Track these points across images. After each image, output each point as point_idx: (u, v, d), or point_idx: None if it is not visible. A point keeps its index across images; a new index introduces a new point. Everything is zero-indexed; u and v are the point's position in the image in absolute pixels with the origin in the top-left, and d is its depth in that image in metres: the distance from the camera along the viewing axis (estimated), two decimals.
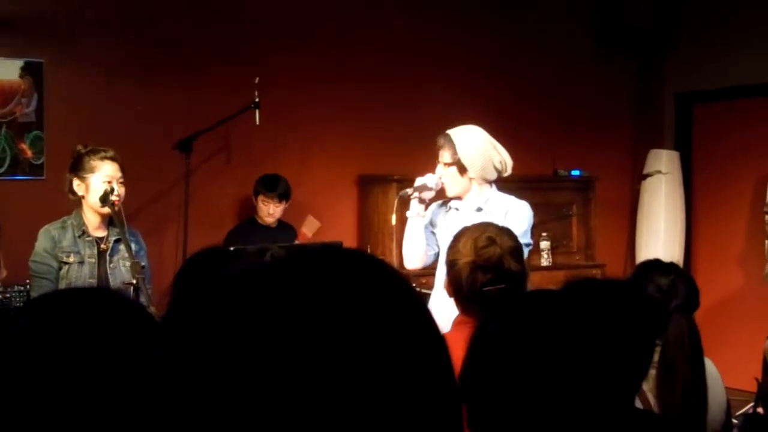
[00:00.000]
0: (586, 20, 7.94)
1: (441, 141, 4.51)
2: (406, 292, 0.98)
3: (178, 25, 6.24)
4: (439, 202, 4.59)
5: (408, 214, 4.54)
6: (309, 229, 6.45)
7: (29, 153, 5.77)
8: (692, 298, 3.03)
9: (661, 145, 8.11)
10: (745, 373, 4.38)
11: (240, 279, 0.96)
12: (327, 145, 6.78)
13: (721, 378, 3.12)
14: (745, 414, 3.62)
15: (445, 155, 4.46)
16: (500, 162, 4.49)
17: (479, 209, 4.40)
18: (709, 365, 3.05)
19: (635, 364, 2.27)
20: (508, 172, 4.56)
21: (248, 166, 6.42)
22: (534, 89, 7.64)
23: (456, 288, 3.03)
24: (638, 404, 2.78)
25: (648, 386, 2.86)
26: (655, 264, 3.15)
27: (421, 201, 4.50)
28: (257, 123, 5.96)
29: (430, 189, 4.49)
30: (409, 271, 4.88)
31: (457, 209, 4.47)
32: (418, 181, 4.50)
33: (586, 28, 7.94)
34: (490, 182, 4.51)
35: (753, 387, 3.86)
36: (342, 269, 0.96)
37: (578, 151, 7.76)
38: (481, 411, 1.67)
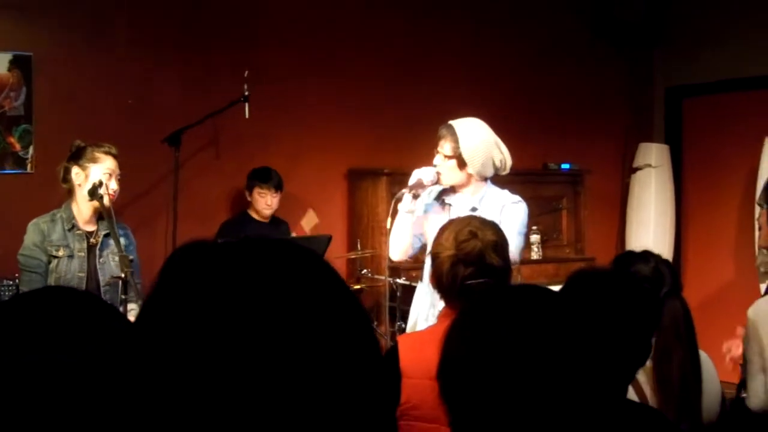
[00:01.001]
0: (578, 14, 7.94)
1: (443, 131, 4.40)
2: (331, 280, 0.98)
3: (167, 18, 6.22)
4: (435, 194, 4.51)
5: (399, 206, 4.44)
6: (307, 224, 6.45)
7: (17, 147, 5.74)
8: (676, 281, 3.02)
9: (651, 139, 8.13)
10: (735, 366, 4.39)
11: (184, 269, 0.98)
12: (317, 138, 6.77)
13: (713, 366, 3.12)
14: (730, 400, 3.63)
15: (446, 147, 4.36)
16: (501, 161, 4.43)
17: (474, 209, 4.32)
18: (703, 356, 3.05)
19: (628, 354, 2.26)
20: (506, 171, 4.49)
21: (238, 159, 6.40)
22: (525, 83, 7.64)
23: (438, 281, 3.03)
24: (633, 395, 2.78)
25: (643, 376, 2.85)
26: (632, 255, 3.13)
27: (415, 196, 4.40)
28: (247, 116, 5.94)
29: (425, 186, 4.40)
30: (395, 263, 4.88)
31: (451, 205, 4.42)
32: (414, 177, 4.38)
33: (578, 22, 7.94)
34: (486, 179, 4.45)
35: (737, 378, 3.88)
36: (266, 257, 0.97)
37: (568, 145, 7.76)
38: (460, 408, 1.66)
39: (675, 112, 8.23)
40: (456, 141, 4.34)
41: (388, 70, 7.00)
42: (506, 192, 4.46)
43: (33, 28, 5.78)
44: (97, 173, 4.34)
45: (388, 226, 4.54)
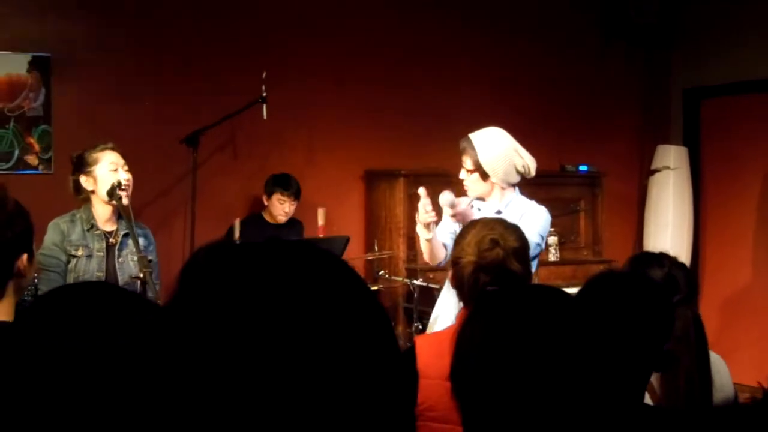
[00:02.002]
0: (594, 16, 7.93)
1: (463, 145, 4.42)
2: (353, 281, 0.99)
3: (187, 19, 6.24)
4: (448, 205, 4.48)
5: (418, 231, 4.33)
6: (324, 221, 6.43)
7: (37, 147, 5.78)
8: (691, 288, 3.00)
9: (668, 141, 8.09)
10: (753, 369, 4.37)
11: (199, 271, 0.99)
12: (334, 140, 6.78)
13: (729, 372, 3.10)
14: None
15: (467, 162, 4.39)
16: (523, 166, 4.44)
17: (498, 212, 4.33)
18: (717, 359, 3.03)
19: (642, 358, 2.25)
20: (532, 174, 4.50)
21: (255, 160, 6.42)
22: (541, 85, 7.63)
23: (459, 285, 3.04)
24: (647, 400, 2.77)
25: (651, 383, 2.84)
26: (648, 256, 3.11)
27: (427, 225, 4.24)
28: (264, 118, 5.95)
29: (456, 205, 4.26)
30: (415, 262, 4.86)
31: (479, 209, 4.42)
32: (449, 201, 4.23)
33: (594, 23, 7.92)
34: (513, 185, 4.47)
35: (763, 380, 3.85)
36: (289, 259, 0.97)
37: (586, 147, 7.74)
38: (472, 408, 1.66)
39: (693, 114, 8.20)
40: (475, 154, 4.36)
41: (405, 72, 7.00)
42: (533, 202, 4.48)
43: (52, 30, 5.82)
44: (103, 171, 4.35)
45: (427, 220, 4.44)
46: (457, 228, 4.24)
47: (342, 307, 0.94)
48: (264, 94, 5.95)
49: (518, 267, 2.96)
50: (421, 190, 4.25)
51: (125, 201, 4.29)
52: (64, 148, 5.72)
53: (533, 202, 4.49)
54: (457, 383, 1.67)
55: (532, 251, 4.10)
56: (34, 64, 5.75)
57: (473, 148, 4.37)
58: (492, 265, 2.94)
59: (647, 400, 2.84)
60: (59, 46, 5.82)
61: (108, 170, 4.35)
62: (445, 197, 4.24)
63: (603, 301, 2.25)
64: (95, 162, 4.38)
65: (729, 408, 2.82)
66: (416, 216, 4.29)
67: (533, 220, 4.29)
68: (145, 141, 5.51)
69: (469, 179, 4.41)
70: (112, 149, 4.43)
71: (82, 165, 4.41)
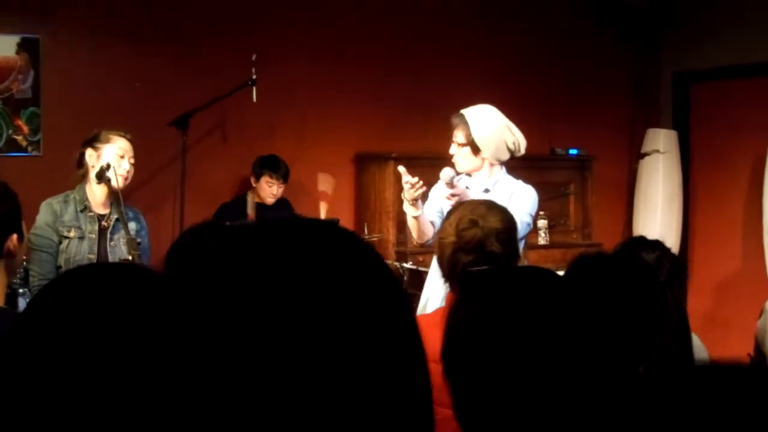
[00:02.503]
0: (585, 0, 7.92)
1: (455, 121, 4.48)
2: (377, 264, 0.98)
3: (176, 2, 6.21)
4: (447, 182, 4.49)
5: (405, 209, 4.40)
6: (325, 186, 6.41)
7: (26, 130, 5.75)
8: (677, 275, 3.02)
9: (658, 125, 8.10)
10: (741, 352, 4.39)
11: (213, 253, 0.97)
12: (324, 122, 6.77)
13: (706, 351, 3.12)
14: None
15: (458, 135, 4.45)
16: (514, 143, 4.50)
17: (486, 190, 4.38)
18: (696, 340, 3.05)
19: (632, 339, 2.26)
20: (522, 152, 4.57)
21: (245, 143, 6.41)
22: (532, 68, 7.62)
23: (441, 264, 3.05)
24: None
25: None
26: (641, 241, 3.13)
27: (414, 201, 4.33)
28: (254, 100, 5.94)
29: (454, 183, 4.36)
30: (405, 245, 4.86)
31: (467, 187, 4.44)
32: (450, 176, 4.33)
33: (585, 7, 7.91)
34: (501, 163, 4.51)
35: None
36: (312, 240, 0.96)
37: (576, 130, 7.74)
38: (463, 391, 1.66)
39: (682, 98, 8.21)
40: (468, 128, 4.42)
41: (396, 54, 6.99)
42: (520, 182, 4.51)
43: (40, 12, 5.79)
44: (110, 153, 4.36)
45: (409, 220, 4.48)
46: (444, 206, 4.27)
47: (345, 286, 0.94)
48: (254, 77, 5.94)
49: (498, 248, 2.93)
50: (401, 168, 4.30)
51: (114, 184, 4.28)
52: (53, 130, 5.71)
53: (520, 182, 4.52)
54: (449, 365, 1.68)
55: (522, 231, 4.11)
56: (22, 46, 5.72)
57: (466, 123, 4.44)
58: (470, 245, 2.93)
59: None
60: (48, 28, 5.80)
61: (114, 154, 4.36)
62: (446, 172, 4.31)
63: (592, 281, 2.26)
64: (107, 141, 4.39)
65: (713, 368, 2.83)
66: (402, 194, 4.32)
67: (522, 200, 4.32)
68: (134, 123, 5.48)
69: (459, 153, 4.46)
70: (129, 140, 4.45)
71: (94, 139, 4.41)
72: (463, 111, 4.51)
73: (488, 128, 4.43)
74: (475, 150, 4.43)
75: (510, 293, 1.70)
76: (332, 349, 0.89)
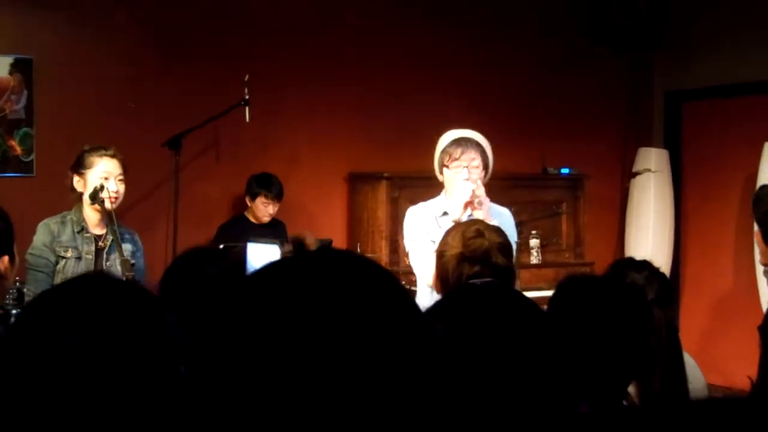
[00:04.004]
0: (577, 19, 7.95)
1: (464, 144, 4.34)
2: (395, 289, 0.99)
3: (169, 22, 6.23)
4: (431, 215, 4.38)
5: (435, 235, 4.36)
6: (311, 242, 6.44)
7: (19, 150, 5.76)
8: (666, 294, 3.02)
9: (650, 144, 8.14)
10: (735, 371, 4.40)
11: (233, 280, 0.98)
12: (317, 142, 6.78)
13: (701, 373, 3.12)
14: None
15: (476, 158, 4.31)
16: None
17: (470, 216, 4.33)
18: (688, 359, 3.05)
19: (619, 360, 2.27)
20: None
21: (238, 163, 6.42)
22: (524, 87, 7.65)
23: (443, 280, 3.04)
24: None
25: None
26: (629, 262, 3.15)
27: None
28: (247, 120, 5.96)
29: (477, 197, 4.28)
30: (398, 265, 4.84)
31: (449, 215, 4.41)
32: (468, 192, 4.25)
33: (577, 26, 7.95)
34: None
35: (744, 385, 3.87)
36: (333, 268, 0.97)
37: (568, 149, 7.76)
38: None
39: (674, 117, 8.24)
40: (483, 150, 4.34)
41: (388, 74, 7.01)
42: (493, 204, 4.45)
43: (34, 32, 5.80)
44: (94, 178, 4.35)
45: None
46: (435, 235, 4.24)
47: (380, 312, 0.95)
48: (246, 97, 5.95)
49: (503, 260, 2.96)
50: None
51: (107, 205, 4.28)
52: (46, 151, 5.71)
53: (494, 205, 4.47)
54: None
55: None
56: (16, 67, 5.73)
57: (478, 144, 4.35)
58: (476, 255, 2.94)
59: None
60: (41, 49, 5.81)
61: (98, 178, 4.35)
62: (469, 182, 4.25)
63: (580, 302, 2.27)
64: (90, 166, 4.38)
65: (709, 402, 2.83)
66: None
67: (507, 227, 4.31)
68: (127, 144, 5.49)
69: (479, 177, 4.32)
70: (112, 156, 4.42)
71: (78, 165, 4.42)
72: (466, 135, 4.39)
73: (491, 152, 4.40)
74: (487, 172, 4.37)
75: (485, 315, 1.70)
76: (342, 377, 0.90)
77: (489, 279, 2.93)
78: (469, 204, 4.24)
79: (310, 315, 0.92)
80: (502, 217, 4.35)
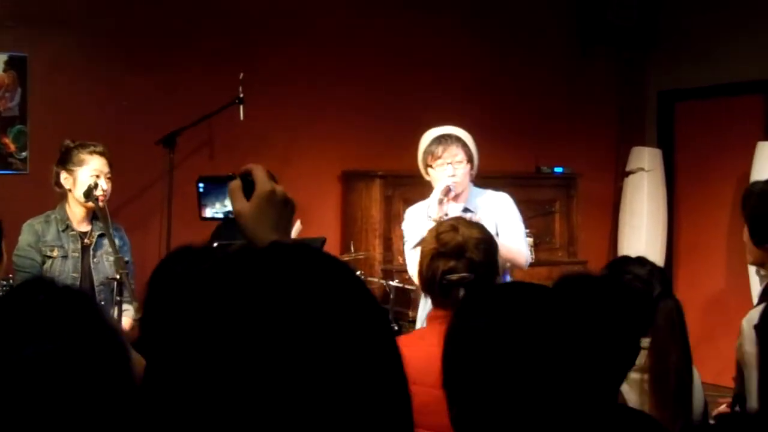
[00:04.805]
0: (570, 18, 7.96)
1: (445, 141, 4.41)
2: (358, 287, 0.99)
3: (163, 20, 6.23)
4: (423, 214, 4.45)
5: (430, 212, 4.36)
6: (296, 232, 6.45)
7: (12, 147, 5.75)
8: (668, 286, 3.04)
9: (643, 143, 8.15)
10: (727, 370, 4.41)
11: (196, 277, 0.98)
12: (311, 140, 6.78)
13: (698, 375, 3.13)
14: (720, 413, 3.64)
15: (458, 154, 4.38)
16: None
17: (467, 210, 4.35)
18: None
19: (620, 358, 2.28)
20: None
21: (232, 161, 6.39)
22: (517, 86, 7.66)
23: (420, 276, 3.03)
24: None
25: (636, 375, 2.84)
26: (628, 259, 3.15)
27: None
28: (241, 118, 5.96)
29: (450, 193, 4.36)
30: (391, 263, 4.85)
31: (446, 214, 4.42)
32: (441, 191, 4.33)
33: (570, 25, 7.96)
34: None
35: (733, 384, 3.88)
36: (289, 264, 0.97)
37: (561, 148, 7.78)
38: (462, 405, 1.68)
39: (667, 116, 8.26)
40: (465, 144, 4.40)
41: (382, 72, 7.02)
42: (489, 191, 4.51)
43: (28, 30, 5.79)
44: (85, 176, 4.35)
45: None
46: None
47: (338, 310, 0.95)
48: (241, 95, 5.96)
49: (479, 256, 2.92)
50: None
51: (101, 203, 4.29)
52: (40, 148, 5.70)
53: (489, 191, 4.50)
54: (451, 377, 1.70)
55: (524, 239, 4.19)
56: (10, 64, 5.73)
57: (461, 140, 4.41)
58: (450, 249, 2.91)
59: (636, 401, 2.85)
60: (36, 47, 5.80)
61: (89, 176, 4.35)
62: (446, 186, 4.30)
63: (575, 300, 2.28)
64: (80, 164, 4.38)
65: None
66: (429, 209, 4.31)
67: (512, 211, 4.34)
68: (121, 142, 5.49)
69: (461, 171, 4.39)
70: (101, 154, 4.42)
71: (66, 161, 4.40)
72: (449, 131, 4.46)
73: (473, 143, 4.46)
74: (471, 166, 4.43)
75: (516, 309, 1.72)
76: (313, 371, 0.89)
77: (465, 274, 2.90)
78: (442, 201, 4.32)
79: (254, 310, 0.91)
80: (500, 200, 4.40)
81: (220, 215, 2.16)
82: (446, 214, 4.23)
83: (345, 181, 6.97)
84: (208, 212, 2.13)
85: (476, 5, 7.47)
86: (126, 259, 4.28)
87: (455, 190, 4.37)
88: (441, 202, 4.32)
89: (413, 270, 4.27)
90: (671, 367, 2.86)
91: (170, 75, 6.21)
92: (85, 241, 4.42)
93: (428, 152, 4.42)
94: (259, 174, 1.73)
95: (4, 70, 5.72)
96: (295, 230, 6.43)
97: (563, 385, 1.65)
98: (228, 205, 2.06)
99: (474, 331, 1.72)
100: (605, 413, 2.04)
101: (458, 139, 4.40)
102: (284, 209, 1.69)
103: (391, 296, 5.83)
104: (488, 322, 1.71)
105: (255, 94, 6.09)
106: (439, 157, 4.40)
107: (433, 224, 4.17)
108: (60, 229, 4.38)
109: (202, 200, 2.08)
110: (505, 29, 7.59)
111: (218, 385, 0.89)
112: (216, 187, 2.06)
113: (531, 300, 1.77)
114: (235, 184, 1.75)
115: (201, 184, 2.05)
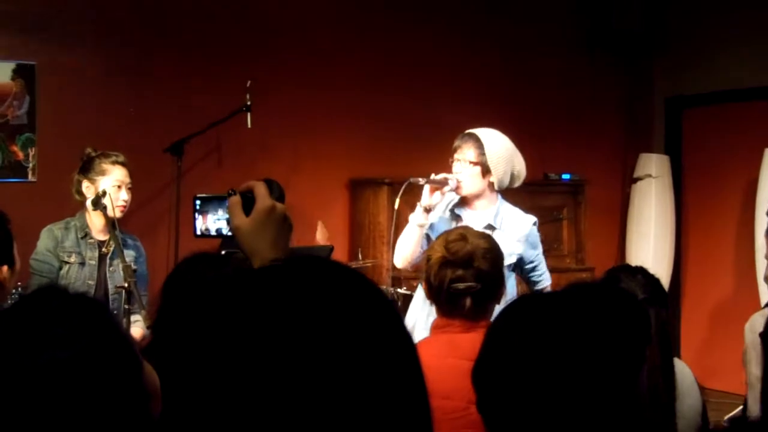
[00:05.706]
0: (577, 24, 7.96)
1: (464, 138, 4.37)
2: (380, 301, 0.99)
3: (171, 28, 6.24)
4: (449, 211, 4.45)
5: (411, 217, 4.35)
6: (321, 237, 6.45)
7: (21, 155, 5.77)
8: (657, 294, 3.02)
9: (651, 149, 8.14)
10: (735, 377, 4.40)
11: (221, 289, 0.97)
12: (318, 148, 6.79)
13: (694, 378, 3.10)
14: (732, 417, 3.63)
15: (468, 153, 4.32)
16: (519, 171, 4.44)
17: (490, 227, 4.28)
18: (681, 365, 3.03)
19: (633, 360, 2.28)
20: (520, 183, 4.50)
21: (240, 169, 6.42)
22: (525, 93, 7.65)
23: (428, 285, 3.03)
24: None
25: None
26: (623, 268, 3.15)
27: (427, 210, 4.30)
28: (249, 126, 5.97)
29: (447, 185, 4.29)
30: (397, 270, 4.85)
31: (460, 216, 4.39)
32: (438, 178, 4.30)
33: (577, 32, 7.95)
34: (497, 192, 4.43)
35: (743, 390, 3.88)
36: (318, 278, 0.97)
37: (569, 155, 7.77)
38: (492, 406, 1.70)
39: (675, 123, 8.25)
40: (481, 147, 4.32)
41: (391, 81, 7.02)
42: (518, 210, 4.45)
43: (37, 38, 5.81)
44: (107, 185, 4.38)
45: (396, 206, 4.42)
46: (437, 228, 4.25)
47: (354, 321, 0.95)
48: (248, 103, 5.97)
49: (486, 266, 2.92)
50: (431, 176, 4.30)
51: (110, 212, 4.30)
52: (48, 156, 5.72)
53: (518, 210, 4.46)
54: (480, 383, 1.71)
55: (544, 269, 4.18)
56: (18, 72, 5.74)
57: (478, 142, 4.33)
58: (457, 258, 2.91)
59: None
60: (44, 55, 5.82)
61: (111, 186, 4.38)
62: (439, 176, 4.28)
63: (580, 309, 2.28)
64: (102, 173, 4.41)
65: None
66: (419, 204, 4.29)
67: (537, 240, 4.33)
68: (129, 150, 5.50)
69: (468, 172, 4.33)
70: (123, 165, 4.47)
71: (89, 170, 4.43)
72: (474, 130, 4.40)
73: (502, 150, 4.35)
74: (485, 172, 4.33)
75: (544, 322, 1.73)
76: (329, 374, 0.90)
77: (472, 284, 2.91)
78: (436, 189, 4.27)
79: (273, 319, 0.92)
80: (527, 225, 4.36)
81: (213, 233, 2.18)
82: (430, 206, 4.25)
83: (353, 189, 6.97)
84: (199, 230, 2.15)
85: (484, 14, 7.47)
86: (134, 267, 4.28)
87: (451, 186, 4.31)
88: (433, 190, 4.28)
89: (399, 250, 4.37)
90: (643, 375, 2.84)
91: (178, 83, 6.23)
92: (103, 249, 4.45)
93: (454, 147, 4.43)
94: (260, 190, 1.73)
95: (13, 79, 5.73)
96: (320, 232, 6.43)
97: (593, 394, 1.67)
98: (223, 222, 2.07)
99: (504, 336, 1.73)
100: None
101: (476, 141, 4.33)
102: (283, 226, 1.69)
103: (399, 303, 5.82)
104: (523, 335, 1.72)
105: (262, 101, 6.10)
106: (455, 152, 4.40)
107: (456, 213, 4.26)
108: (79, 236, 4.41)
109: (196, 217, 2.09)
110: (513, 37, 7.59)
111: (234, 392, 0.89)
112: (212, 204, 2.07)
113: (561, 313, 1.80)
114: (235, 199, 1.76)
115: (198, 201, 2.05)
